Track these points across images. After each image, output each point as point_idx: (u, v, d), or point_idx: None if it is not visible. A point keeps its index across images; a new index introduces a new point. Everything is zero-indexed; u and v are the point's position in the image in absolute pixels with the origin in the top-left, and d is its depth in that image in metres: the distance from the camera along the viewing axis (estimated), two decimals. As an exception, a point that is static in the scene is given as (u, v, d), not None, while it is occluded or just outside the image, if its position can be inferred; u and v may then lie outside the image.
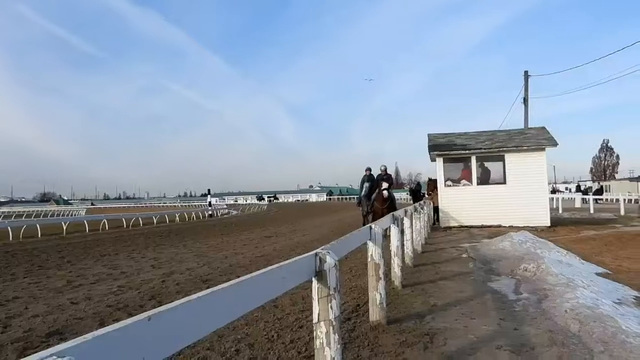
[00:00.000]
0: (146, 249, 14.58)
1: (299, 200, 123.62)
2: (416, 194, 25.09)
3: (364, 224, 11.40)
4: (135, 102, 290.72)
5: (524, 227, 15.63)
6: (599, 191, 51.73)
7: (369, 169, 17.42)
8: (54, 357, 1.13)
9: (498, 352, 4.32)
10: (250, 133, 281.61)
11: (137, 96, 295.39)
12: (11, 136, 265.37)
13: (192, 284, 8.22)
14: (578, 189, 58.06)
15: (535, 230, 15.31)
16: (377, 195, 15.80)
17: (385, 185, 15.70)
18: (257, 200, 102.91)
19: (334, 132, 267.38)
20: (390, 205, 15.23)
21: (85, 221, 25.57)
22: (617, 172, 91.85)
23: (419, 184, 32.39)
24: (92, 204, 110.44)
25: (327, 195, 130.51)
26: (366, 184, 17.01)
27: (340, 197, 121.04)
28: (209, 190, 52.00)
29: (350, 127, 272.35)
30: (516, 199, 17.01)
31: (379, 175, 16.47)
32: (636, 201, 33.61)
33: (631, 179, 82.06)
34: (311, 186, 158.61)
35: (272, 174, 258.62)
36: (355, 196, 16.68)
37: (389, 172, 16.61)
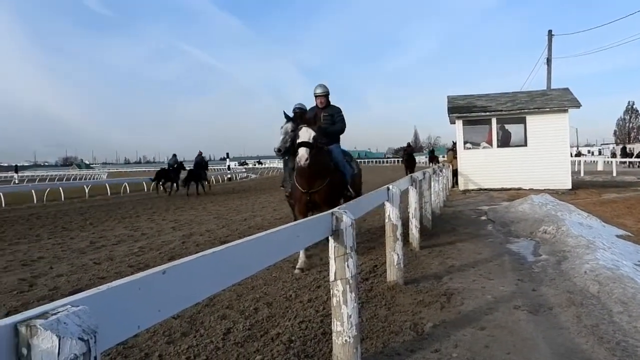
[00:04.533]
0: (166, 211, 14.78)
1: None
2: (433, 154, 33.90)
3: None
4: (151, 64, 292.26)
5: (544, 190, 15.42)
6: None
7: (299, 109, 7.62)
8: (68, 305, 1.15)
9: (516, 311, 4.31)
10: (265, 97, 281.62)
11: (152, 58, 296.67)
12: (34, 102, 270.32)
13: (212, 245, 8.26)
14: (624, 151, 52.62)
15: (556, 193, 15.11)
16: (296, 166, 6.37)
17: (305, 135, 6.00)
18: (239, 165, 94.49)
19: (350, 96, 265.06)
20: (332, 188, 6.50)
21: (106, 184, 25.97)
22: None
23: (433, 150, 42.43)
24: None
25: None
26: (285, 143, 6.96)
27: (358, 160, 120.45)
28: (227, 154, 53.35)
29: (367, 90, 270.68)
30: (537, 161, 16.73)
31: (312, 110, 7.37)
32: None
33: (656, 142, 79.99)
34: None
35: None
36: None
37: (333, 102, 7.43)
